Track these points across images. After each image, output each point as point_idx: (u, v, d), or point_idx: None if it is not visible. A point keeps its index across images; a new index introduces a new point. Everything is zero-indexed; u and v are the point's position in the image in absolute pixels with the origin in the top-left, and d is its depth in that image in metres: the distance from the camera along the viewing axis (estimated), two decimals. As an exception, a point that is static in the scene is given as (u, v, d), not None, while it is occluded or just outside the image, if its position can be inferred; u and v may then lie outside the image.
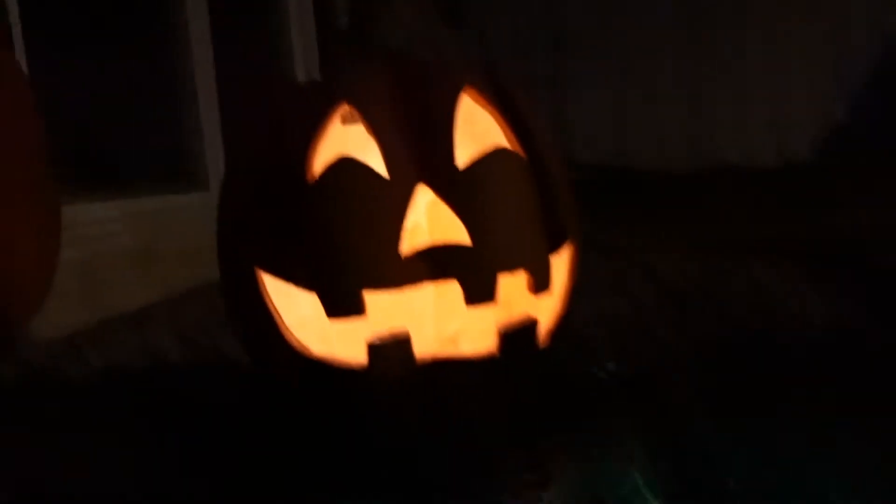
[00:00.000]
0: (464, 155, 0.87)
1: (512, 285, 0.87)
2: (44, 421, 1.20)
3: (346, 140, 0.86)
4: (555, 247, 0.91)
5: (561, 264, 0.93)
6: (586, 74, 5.81)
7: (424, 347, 0.88)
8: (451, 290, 0.86)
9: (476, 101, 0.89)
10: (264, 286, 0.88)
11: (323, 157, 0.85)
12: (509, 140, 0.90)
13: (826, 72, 5.54)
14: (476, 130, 0.89)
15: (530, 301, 0.89)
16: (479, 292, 0.84)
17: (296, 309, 0.88)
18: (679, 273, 2.01)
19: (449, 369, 0.87)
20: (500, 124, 0.90)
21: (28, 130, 0.94)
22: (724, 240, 2.62)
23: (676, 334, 1.41)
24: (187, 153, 2.53)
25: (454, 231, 0.84)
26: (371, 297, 0.83)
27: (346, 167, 0.83)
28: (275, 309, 0.88)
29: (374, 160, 0.84)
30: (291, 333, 0.89)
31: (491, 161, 0.86)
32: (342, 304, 0.83)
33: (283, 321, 0.89)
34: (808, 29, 5.50)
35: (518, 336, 0.88)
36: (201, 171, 2.53)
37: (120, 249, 2.06)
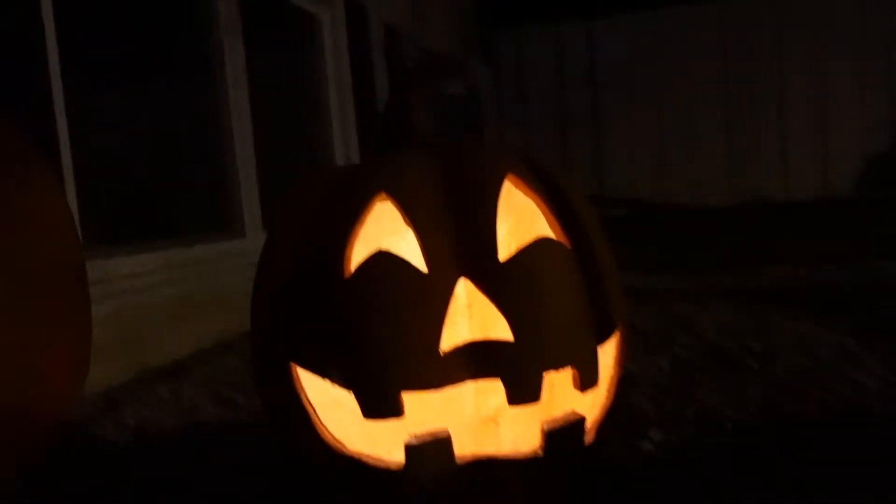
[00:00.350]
0: (506, 244, 0.84)
1: (557, 380, 0.83)
2: (77, 483, 1.19)
3: (385, 232, 0.83)
4: (603, 338, 0.86)
5: (608, 355, 0.89)
6: (624, 110, 5.77)
7: (464, 443, 0.84)
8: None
9: (519, 187, 0.86)
10: (299, 381, 0.85)
11: (360, 250, 0.82)
12: (553, 227, 0.86)
13: (870, 105, 5.43)
14: (519, 218, 0.86)
15: (576, 395, 0.85)
16: (524, 393, 0.79)
17: (331, 403, 0.85)
18: (722, 328, 1.96)
19: (490, 469, 0.82)
20: (543, 211, 0.86)
21: (65, 245, 0.92)
22: (768, 287, 2.56)
23: (721, 400, 1.36)
24: (224, 201, 2.53)
25: (496, 326, 0.80)
26: (410, 398, 0.79)
27: (383, 261, 0.80)
28: (309, 403, 0.85)
29: (413, 252, 0.81)
30: (326, 428, 0.85)
31: (533, 252, 0.82)
32: (380, 406, 0.79)
33: (317, 416, 0.85)
34: (852, 61, 5.41)
35: (563, 434, 0.83)
36: (237, 218, 2.53)
37: (157, 300, 2.06)
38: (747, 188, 5.47)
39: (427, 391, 0.79)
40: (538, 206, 0.86)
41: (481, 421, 0.88)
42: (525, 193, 0.86)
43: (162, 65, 2.36)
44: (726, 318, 2.10)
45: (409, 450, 0.81)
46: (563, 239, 0.86)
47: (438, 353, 0.79)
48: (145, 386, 1.83)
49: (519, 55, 5.97)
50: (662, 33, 5.70)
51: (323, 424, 0.85)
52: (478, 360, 0.80)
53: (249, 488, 1.08)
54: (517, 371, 0.80)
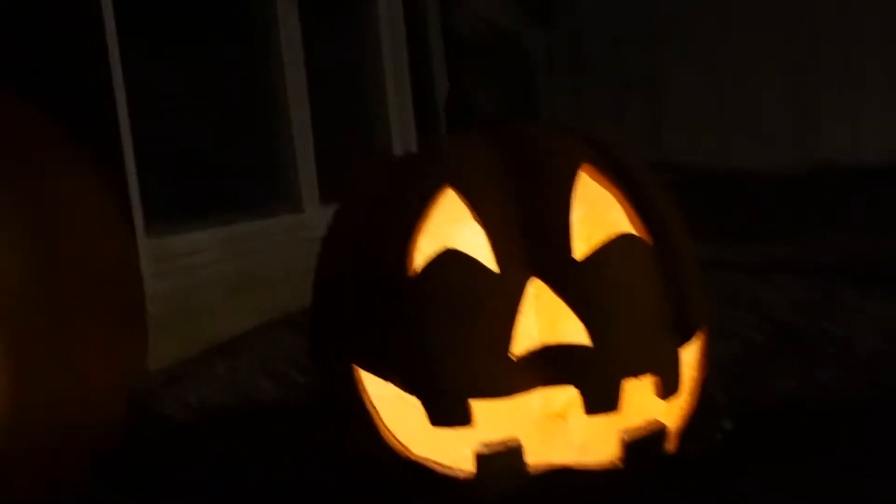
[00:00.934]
0: (582, 241, 0.78)
1: (636, 388, 0.78)
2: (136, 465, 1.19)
3: (451, 228, 0.78)
4: (684, 340, 0.81)
5: (690, 357, 0.83)
6: (683, 69, 5.58)
7: (535, 450, 0.79)
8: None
9: (595, 178, 0.80)
10: (362, 383, 0.81)
11: (425, 247, 0.77)
12: (632, 221, 0.80)
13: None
14: (596, 212, 0.80)
15: (656, 402, 0.80)
16: (602, 402, 0.74)
17: (395, 400, 0.81)
18: (794, 307, 1.86)
19: (565, 480, 0.78)
20: (622, 204, 0.80)
21: (107, 237, 0.89)
22: (839, 260, 2.43)
23: (797, 386, 1.29)
24: (281, 175, 2.51)
25: (571, 330, 0.75)
26: (479, 406, 0.75)
27: (451, 260, 0.75)
28: (372, 405, 0.82)
29: (482, 250, 0.76)
30: (390, 432, 0.82)
31: (611, 250, 0.77)
32: (448, 414, 0.75)
33: (381, 419, 0.82)
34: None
35: (644, 445, 0.78)
36: (295, 193, 2.51)
37: (217, 277, 2.06)
38: (813, 151, 5.26)
39: (497, 399, 0.75)
40: (616, 198, 0.80)
41: (549, 418, 0.84)
42: (602, 185, 0.80)
43: (217, 38, 2.33)
44: (796, 294, 2.00)
45: (480, 459, 0.77)
46: (642, 234, 0.80)
47: (509, 359, 0.74)
48: (206, 363, 1.82)
49: (572, 14, 5.78)
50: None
51: (387, 428, 0.82)
52: (550, 365, 0.75)
53: (306, 475, 1.05)
54: (595, 379, 0.74)
